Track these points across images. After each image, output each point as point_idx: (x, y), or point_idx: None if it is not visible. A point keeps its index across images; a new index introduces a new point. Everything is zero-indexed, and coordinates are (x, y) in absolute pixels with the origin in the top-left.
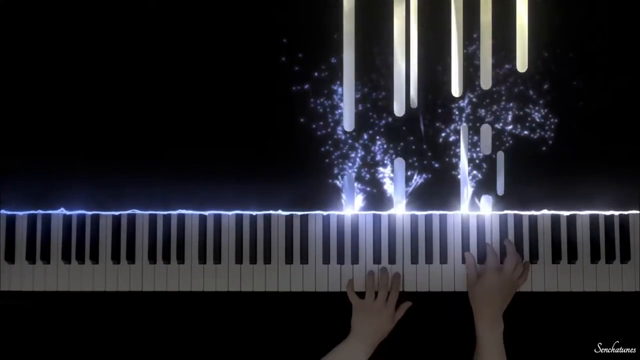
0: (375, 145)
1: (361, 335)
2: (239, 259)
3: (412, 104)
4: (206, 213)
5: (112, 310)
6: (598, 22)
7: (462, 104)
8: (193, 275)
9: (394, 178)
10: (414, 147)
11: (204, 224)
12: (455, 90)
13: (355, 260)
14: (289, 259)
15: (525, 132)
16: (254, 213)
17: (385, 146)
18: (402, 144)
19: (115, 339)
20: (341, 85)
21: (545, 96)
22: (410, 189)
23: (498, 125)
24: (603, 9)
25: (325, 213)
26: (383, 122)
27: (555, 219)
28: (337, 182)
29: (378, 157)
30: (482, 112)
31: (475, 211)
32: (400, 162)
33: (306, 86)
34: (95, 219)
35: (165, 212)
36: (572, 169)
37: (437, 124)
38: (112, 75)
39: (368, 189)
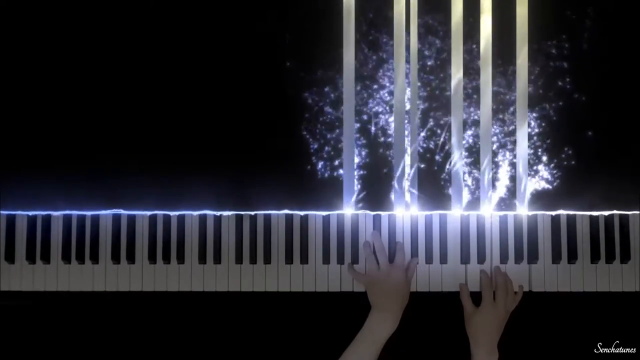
0: (375, 145)
1: (381, 306)
2: (239, 259)
3: (412, 104)
4: (206, 213)
5: (112, 310)
6: (598, 23)
7: (461, 104)
8: (193, 275)
9: (394, 178)
10: (413, 147)
11: (204, 224)
12: (455, 91)
13: (355, 260)
14: (289, 259)
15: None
16: (253, 213)
17: (386, 146)
18: (402, 144)
19: (115, 339)
20: (341, 85)
21: (544, 97)
22: (410, 189)
23: (497, 126)
24: (604, 11)
25: (325, 213)
26: (383, 121)
27: (555, 219)
28: (338, 183)
29: (379, 157)
30: (481, 113)
31: (475, 211)
32: (400, 163)
33: (306, 85)
34: (95, 219)
35: (165, 212)
36: (572, 169)
37: (436, 124)
38: (112, 76)
39: (368, 188)
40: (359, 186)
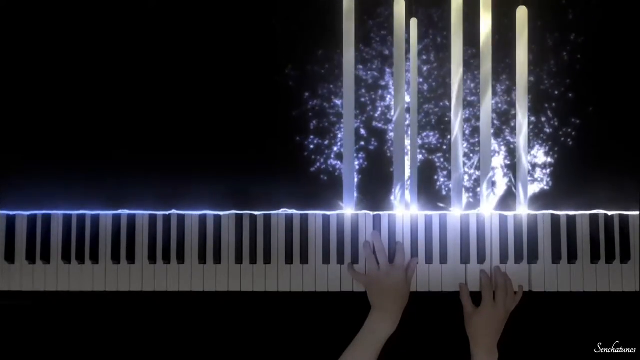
0: (375, 145)
1: (381, 306)
2: (239, 259)
3: (412, 106)
4: (206, 213)
5: (112, 310)
6: (595, 24)
7: (461, 104)
8: (193, 275)
9: (394, 178)
10: (414, 147)
11: (204, 224)
12: (454, 95)
13: (355, 260)
14: (289, 259)
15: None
16: (254, 213)
17: (386, 145)
18: (402, 143)
19: (115, 339)
20: (341, 84)
21: (544, 97)
22: (410, 188)
23: (497, 127)
24: (601, 11)
25: (325, 213)
26: (384, 121)
27: (555, 219)
28: (338, 182)
29: (379, 157)
30: (480, 115)
31: (475, 211)
32: (400, 162)
33: (306, 85)
34: (95, 219)
35: (165, 212)
36: (572, 169)
37: (437, 123)
38: (111, 76)
39: (368, 188)
40: (359, 186)
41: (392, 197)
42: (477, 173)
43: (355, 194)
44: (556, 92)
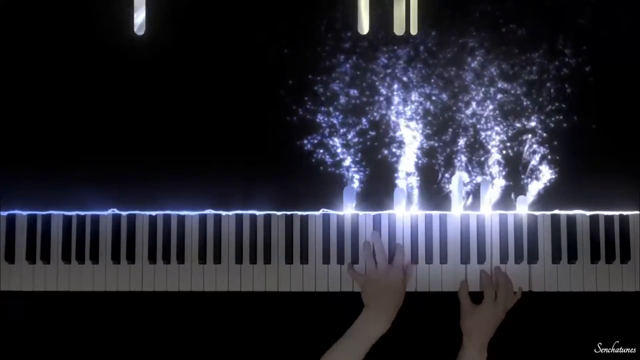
0: (376, 145)
1: (375, 305)
2: (239, 259)
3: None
4: (206, 213)
5: (112, 310)
6: (593, 25)
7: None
8: (193, 275)
9: (394, 178)
10: (414, 146)
11: (204, 224)
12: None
13: (355, 260)
14: (289, 259)
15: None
16: (254, 213)
17: (386, 146)
18: (402, 143)
19: (115, 339)
20: (341, 84)
21: (544, 98)
22: (410, 188)
23: (498, 127)
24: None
25: (325, 213)
26: (384, 121)
27: (555, 219)
28: (338, 182)
29: (379, 157)
30: (480, 120)
31: (475, 211)
32: (400, 163)
33: (306, 86)
34: (95, 219)
35: (165, 212)
36: (572, 169)
37: (437, 122)
38: (110, 76)
39: (368, 188)
40: (359, 186)
41: (392, 197)
42: (478, 173)
43: (355, 194)
44: (557, 95)
